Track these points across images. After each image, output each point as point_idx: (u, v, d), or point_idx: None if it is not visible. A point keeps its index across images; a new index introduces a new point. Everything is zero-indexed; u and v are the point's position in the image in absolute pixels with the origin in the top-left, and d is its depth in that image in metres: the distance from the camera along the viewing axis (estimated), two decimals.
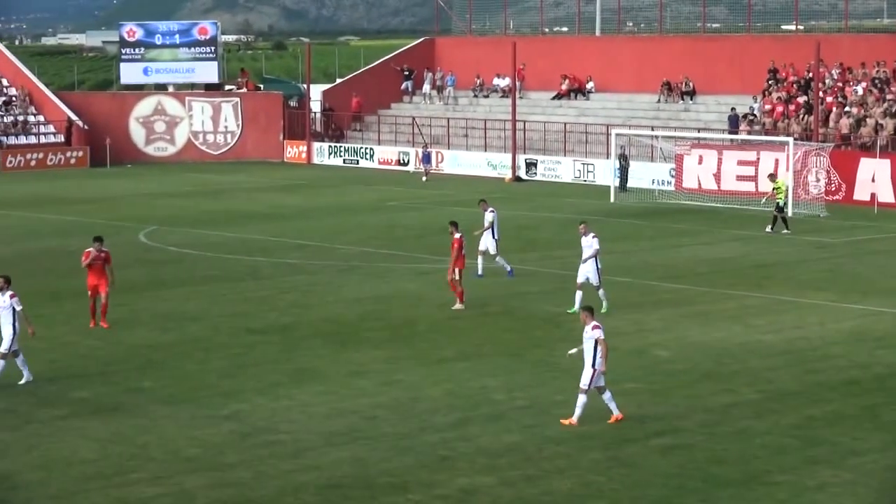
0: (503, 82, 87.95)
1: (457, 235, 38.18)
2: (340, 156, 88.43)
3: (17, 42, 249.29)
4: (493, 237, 42.90)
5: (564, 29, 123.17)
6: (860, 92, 70.54)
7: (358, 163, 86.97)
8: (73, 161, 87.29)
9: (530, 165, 78.52)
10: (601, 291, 37.22)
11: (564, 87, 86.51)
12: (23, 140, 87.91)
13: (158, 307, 38.39)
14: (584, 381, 25.82)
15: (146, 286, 41.48)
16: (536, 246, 50.74)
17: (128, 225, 56.86)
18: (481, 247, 43.03)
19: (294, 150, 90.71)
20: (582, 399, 25.77)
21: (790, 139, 63.50)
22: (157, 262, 46.79)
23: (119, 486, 22.49)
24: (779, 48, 78.69)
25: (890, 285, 42.03)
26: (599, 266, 37.24)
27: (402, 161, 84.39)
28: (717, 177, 66.70)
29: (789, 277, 43.58)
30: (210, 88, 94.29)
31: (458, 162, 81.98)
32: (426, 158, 79.58)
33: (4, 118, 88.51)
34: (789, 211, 57.92)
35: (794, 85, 73.98)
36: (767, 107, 73.53)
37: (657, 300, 39.47)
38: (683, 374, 30.41)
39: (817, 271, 45.10)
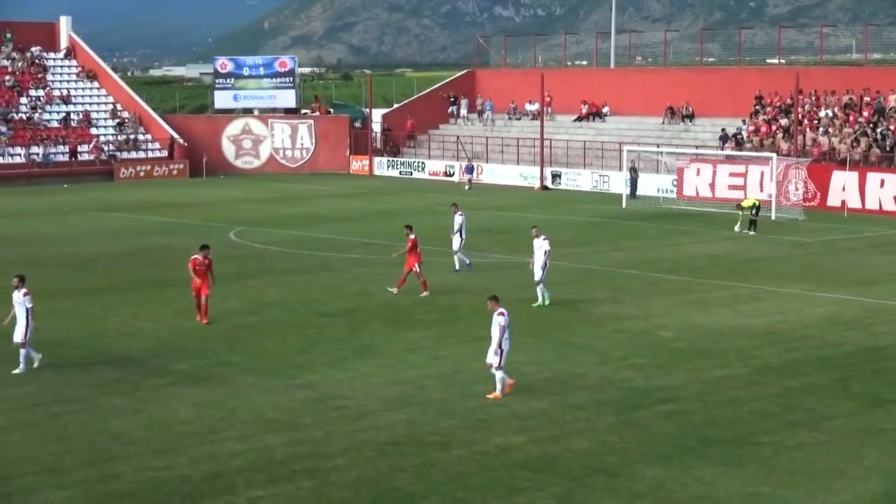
0: (533, 107, 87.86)
1: (412, 236, 37.95)
2: (397, 168, 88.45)
3: (129, 73, 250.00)
4: (461, 237, 42.43)
5: (584, 62, 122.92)
6: (832, 115, 70.16)
7: (412, 174, 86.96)
8: (175, 172, 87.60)
9: (555, 177, 78.36)
10: (540, 287, 36.29)
11: (584, 110, 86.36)
12: (133, 155, 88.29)
13: (245, 294, 38.48)
14: (494, 360, 25.41)
15: (235, 277, 41.57)
16: (560, 244, 50.46)
17: (220, 226, 57.03)
18: (454, 246, 42.66)
19: (358, 164, 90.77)
20: (500, 374, 25.49)
21: (773, 155, 63.32)
22: (244, 257, 46.89)
23: (212, 442, 22.55)
24: (764, 78, 78.31)
25: (858, 277, 41.79)
26: (547, 265, 36.31)
27: (448, 172, 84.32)
28: (712, 186, 66.45)
29: (772, 271, 43.37)
30: (289, 112, 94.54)
31: (494, 174, 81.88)
32: (469, 170, 79.54)
33: (118, 136, 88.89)
34: (772, 215, 57.82)
35: (777, 109, 73.64)
36: (753, 128, 73.22)
37: (661, 289, 39.32)
38: (683, 351, 30.29)
39: (796, 266, 44.86)
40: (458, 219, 42.61)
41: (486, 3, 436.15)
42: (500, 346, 25.42)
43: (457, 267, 42.74)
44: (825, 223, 57.41)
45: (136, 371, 28.26)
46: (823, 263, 45.46)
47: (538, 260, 36.34)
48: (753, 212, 54.15)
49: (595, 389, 26.37)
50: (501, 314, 25.51)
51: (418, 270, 38.15)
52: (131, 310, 35.90)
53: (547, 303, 36.06)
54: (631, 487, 20.07)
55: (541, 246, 36.41)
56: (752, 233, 53.56)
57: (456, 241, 42.74)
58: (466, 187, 77.22)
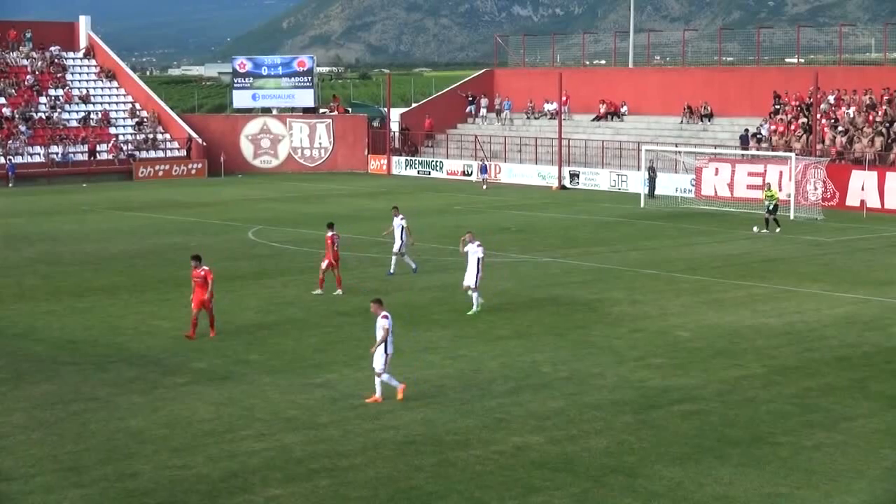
0: (551, 106, 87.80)
1: (329, 234, 37.84)
2: (415, 168, 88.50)
3: (147, 73, 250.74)
4: (401, 239, 41.79)
5: (602, 62, 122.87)
6: (851, 115, 70.00)
7: (429, 174, 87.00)
8: (193, 172, 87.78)
9: (573, 176, 78.31)
10: (475, 294, 35.30)
11: (602, 110, 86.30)
12: (152, 154, 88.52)
13: (262, 293, 38.54)
14: (379, 365, 25.12)
15: (253, 276, 41.64)
16: (577, 243, 50.57)
17: (238, 224, 57.13)
18: (394, 248, 42.15)
19: (376, 163, 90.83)
20: (385, 377, 25.20)
21: (792, 154, 63.20)
22: (262, 256, 46.95)
23: (230, 441, 22.59)
24: (783, 78, 78.17)
25: (876, 277, 41.67)
26: (480, 272, 35.20)
27: (466, 172, 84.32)
28: (731, 186, 66.37)
29: (790, 270, 43.28)
30: (307, 111, 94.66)
31: (513, 173, 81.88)
32: (483, 170, 79.51)
33: (137, 136, 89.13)
34: (791, 215, 57.71)
35: (796, 108, 73.47)
36: (773, 127, 73.09)
37: (679, 289, 39.27)
38: (700, 351, 30.25)
39: (814, 265, 44.76)
40: (398, 222, 41.80)
41: (504, 2, 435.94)
42: (386, 350, 25.09)
43: (391, 270, 41.97)
44: (844, 223, 57.27)
45: (155, 369, 28.32)
46: (842, 263, 45.34)
47: (471, 267, 35.22)
48: (770, 208, 53.95)
49: (612, 389, 26.35)
50: (385, 317, 25.21)
51: (324, 268, 38.27)
52: (150, 308, 35.99)
53: (478, 310, 35.01)
54: (649, 487, 20.05)
55: (474, 252, 35.30)
56: (766, 231, 53.40)
57: (396, 244, 41.92)
58: (483, 187, 77.15)
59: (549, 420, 23.90)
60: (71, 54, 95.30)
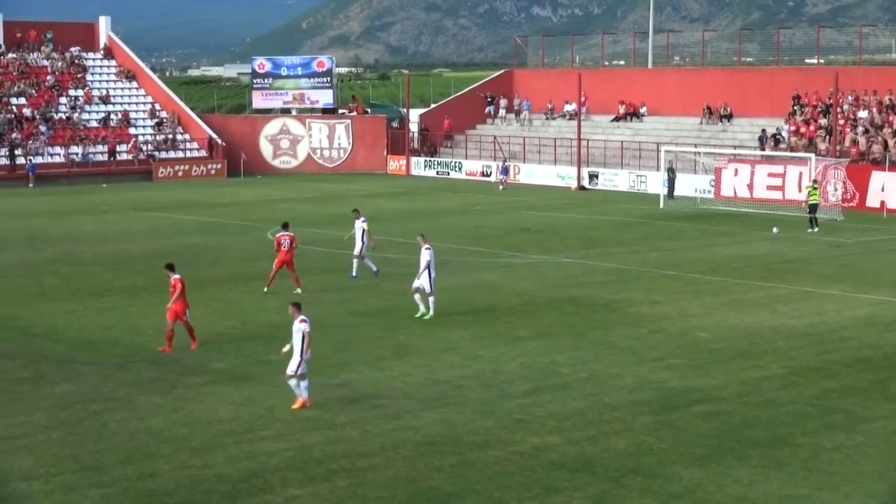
0: (570, 107, 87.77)
1: (280, 233, 37.21)
2: (434, 168, 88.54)
3: (167, 73, 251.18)
4: (362, 242, 41.36)
5: (622, 62, 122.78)
6: (871, 115, 69.81)
7: (448, 174, 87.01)
8: (213, 172, 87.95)
9: (592, 177, 78.26)
10: (431, 299, 34.69)
11: (621, 111, 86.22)
12: (172, 154, 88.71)
13: (282, 294, 38.55)
14: (292, 368, 24.82)
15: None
16: (597, 244, 50.53)
17: (257, 225, 57.21)
18: (354, 251, 41.70)
19: (395, 164, 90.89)
20: (293, 382, 24.89)
21: (812, 155, 63.09)
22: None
23: (250, 441, 22.63)
24: (803, 78, 77.96)
25: None
26: (433, 275, 34.52)
27: (485, 173, 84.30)
28: (750, 187, 66.21)
29: (811, 271, 43.19)
30: (326, 112, 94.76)
31: (531, 174, 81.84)
32: (504, 171, 79.48)
33: (157, 136, 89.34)
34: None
35: (816, 109, 73.30)
36: (793, 128, 72.93)
37: (699, 290, 39.21)
38: (721, 352, 30.20)
39: (835, 266, 44.65)
40: (359, 224, 41.43)
41: (523, 2, 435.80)
42: (301, 354, 24.86)
43: (353, 273, 41.55)
44: (864, 224, 57.12)
45: (175, 369, 28.39)
46: (862, 264, 45.22)
47: (422, 270, 34.54)
48: (811, 208, 54.45)
49: (632, 390, 26.33)
50: (303, 321, 24.98)
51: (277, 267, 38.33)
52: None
53: (422, 314, 34.56)
54: (668, 488, 20.03)
55: (423, 256, 34.56)
56: (814, 230, 53.73)
57: (357, 247, 41.47)
58: (501, 187, 77.11)
59: (569, 421, 23.89)
60: (91, 55, 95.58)
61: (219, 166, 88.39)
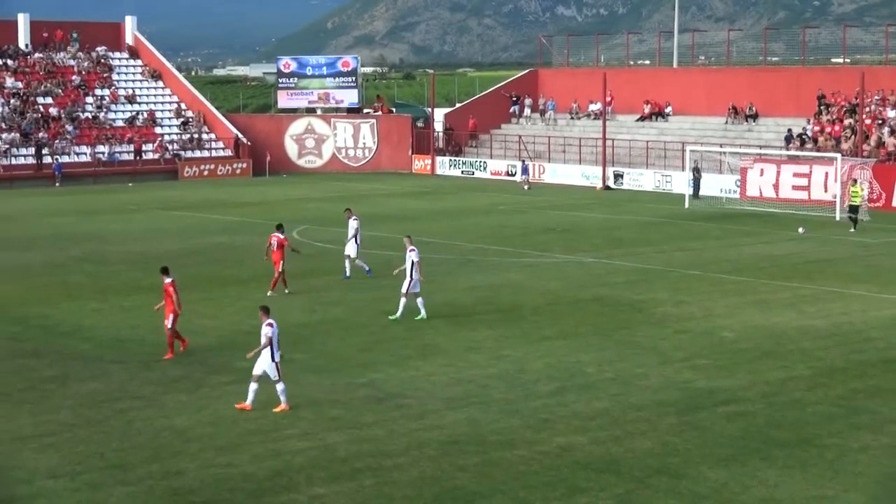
0: (595, 107, 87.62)
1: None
2: (459, 168, 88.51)
3: (192, 73, 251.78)
4: (356, 242, 41.16)
5: (647, 62, 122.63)
6: None
7: (473, 174, 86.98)
8: (238, 171, 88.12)
9: (617, 176, 78.12)
10: (420, 300, 34.40)
11: (647, 110, 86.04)
12: (197, 154, 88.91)
13: (307, 292, 38.64)
14: (273, 373, 24.69)
15: (298, 276, 41.68)
16: (622, 244, 50.44)
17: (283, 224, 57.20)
18: (346, 251, 41.47)
19: (420, 163, 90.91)
20: (280, 386, 24.79)
21: (838, 155, 62.84)
22: (307, 256, 46.97)
23: (275, 440, 22.67)
24: (828, 78, 77.69)
25: None
26: (414, 278, 34.07)
27: (510, 172, 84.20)
28: (776, 187, 65.99)
29: (837, 272, 43.03)
30: (351, 111, 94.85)
31: (556, 173, 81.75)
32: (525, 170, 79.28)
33: (183, 136, 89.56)
34: (836, 216, 57.42)
35: (842, 109, 73.04)
36: (818, 128, 72.69)
37: (724, 290, 39.11)
38: (746, 352, 30.12)
39: (861, 267, 44.47)
40: (353, 224, 41.22)
41: (548, 2, 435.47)
42: (272, 358, 24.66)
43: (347, 274, 41.31)
44: (891, 224, 56.85)
45: (200, 368, 28.46)
46: (889, 265, 45.02)
47: (408, 271, 34.36)
48: (852, 207, 54.48)
49: (657, 390, 26.28)
50: (270, 325, 24.78)
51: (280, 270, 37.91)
52: (195, 307, 36.06)
53: (400, 316, 34.15)
54: (693, 489, 19.99)
55: (408, 257, 34.41)
56: (854, 230, 53.76)
57: (351, 248, 41.23)
58: (525, 187, 76.98)
59: (594, 421, 23.86)
60: (117, 54, 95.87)
61: (244, 166, 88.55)
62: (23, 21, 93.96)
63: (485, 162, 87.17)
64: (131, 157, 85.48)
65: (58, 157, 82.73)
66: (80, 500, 19.64)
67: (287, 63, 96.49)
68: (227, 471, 20.92)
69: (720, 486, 20.09)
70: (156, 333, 32.49)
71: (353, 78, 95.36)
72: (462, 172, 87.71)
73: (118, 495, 19.79)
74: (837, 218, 58.06)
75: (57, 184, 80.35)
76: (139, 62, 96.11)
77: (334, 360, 29.24)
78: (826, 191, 60.96)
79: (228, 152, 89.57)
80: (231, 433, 23.11)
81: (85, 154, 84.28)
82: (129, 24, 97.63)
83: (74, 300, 37.88)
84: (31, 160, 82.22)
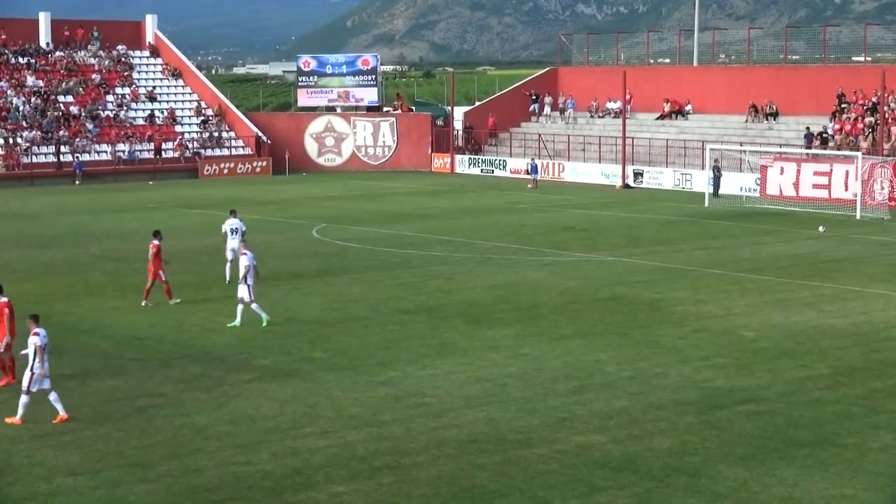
0: (615, 105, 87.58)
1: (155, 242, 34.13)
2: (478, 166, 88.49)
3: (213, 71, 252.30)
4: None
5: (667, 60, 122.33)
6: None
7: (493, 172, 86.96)
8: (258, 170, 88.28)
9: (637, 175, 78.02)
10: (254, 305, 33.13)
11: (666, 109, 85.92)
12: (217, 152, 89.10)
13: (326, 291, 38.66)
14: (25, 383, 23.94)
15: (316, 273, 41.78)
16: (641, 242, 50.36)
17: (302, 222, 57.38)
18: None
19: (440, 161, 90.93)
20: (24, 399, 23.89)
21: (858, 154, 62.67)
22: (326, 254, 47.10)
23: (294, 438, 22.68)
24: (849, 76, 77.49)
25: None
26: (248, 281, 32.93)
27: (528, 171, 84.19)
28: (796, 185, 65.82)
29: (857, 271, 42.88)
30: (371, 110, 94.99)
31: (576, 172, 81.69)
32: (534, 169, 78.97)
33: (203, 134, 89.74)
34: (857, 214, 57.26)
35: (862, 107, 72.84)
36: (838, 126, 72.51)
37: (744, 289, 39.01)
38: (765, 351, 30.04)
39: (881, 266, 44.31)
40: (230, 223, 39.95)
41: (568, 0, 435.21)
42: (31, 368, 23.92)
43: (228, 278, 39.64)
44: None
45: (219, 366, 28.49)
46: None
47: (241, 275, 33.20)
48: None
49: (676, 389, 26.22)
50: (36, 334, 24.01)
51: (164, 278, 36.22)
52: (215, 305, 36.20)
53: (241, 323, 33.14)
54: (712, 488, 19.94)
55: (242, 262, 33.48)
56: None
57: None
58: (529, 186, 76.62)
59: (613, 419, 23.82)
60: (137, 53, 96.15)
61: (264, 164, 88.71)
62: (44, 20, 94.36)
63: (504, 160, 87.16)
64: (151, 155, 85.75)
65: (78, 155, 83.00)
66: (100, 497, 19.68)
67: (307, 61, 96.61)
68: (247, 469, 20.94)
69: (739, 486, 20.04)
70: (175, 331, 32.60)
71: (373, 76, 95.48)
72: (482, 171, 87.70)
73: (138, 493, 19.82)
74: (858, 217, 57.88)
75: (77, 182, 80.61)
76: (159, 61, 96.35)
77: (353, 358, 29.23)
78: (847, 189, 60.77)
79: (248, 151, 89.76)
80: (250, 431, 23.14)
81: (105, 152, 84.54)
82: (150, 22, 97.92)
83: (95, 298, 37.98)
84: (51, 158, 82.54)
